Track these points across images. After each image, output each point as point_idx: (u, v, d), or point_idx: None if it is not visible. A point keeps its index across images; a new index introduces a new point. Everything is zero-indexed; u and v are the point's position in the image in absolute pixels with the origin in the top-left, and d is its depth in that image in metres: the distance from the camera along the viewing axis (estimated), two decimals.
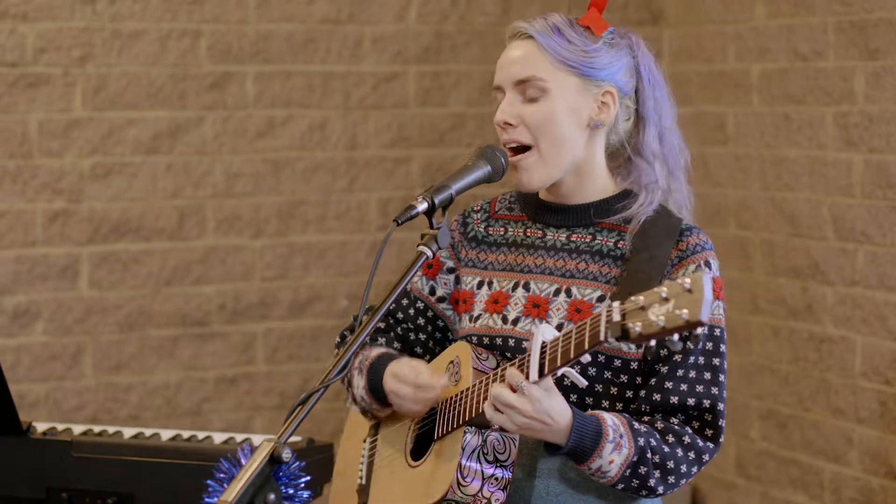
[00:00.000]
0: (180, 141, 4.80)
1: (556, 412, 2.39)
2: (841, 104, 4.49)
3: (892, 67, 4.30)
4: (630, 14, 5.27)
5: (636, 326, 2.16)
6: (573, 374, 2.36)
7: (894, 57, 4.30)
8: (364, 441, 2.77)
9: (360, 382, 2.67)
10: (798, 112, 4.67)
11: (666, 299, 2.13)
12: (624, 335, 2.18)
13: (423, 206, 2.43)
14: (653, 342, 2.17)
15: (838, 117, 4.50)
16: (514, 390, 2.38)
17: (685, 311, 2.11)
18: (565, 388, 2.51)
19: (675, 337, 2.14)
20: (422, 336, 2.75)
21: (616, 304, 2.22)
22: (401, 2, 5.04)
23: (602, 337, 2.23)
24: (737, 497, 5.02)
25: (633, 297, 2.19)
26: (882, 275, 4.36)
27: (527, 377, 2.36)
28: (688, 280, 2.12)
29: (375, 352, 2.68)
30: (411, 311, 2.74)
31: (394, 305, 2.75)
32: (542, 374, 2.35)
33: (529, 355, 2.38)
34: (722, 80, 5.01)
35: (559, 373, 2.34)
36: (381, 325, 2.77)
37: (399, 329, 2.76)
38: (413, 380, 2.56)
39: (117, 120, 4.72)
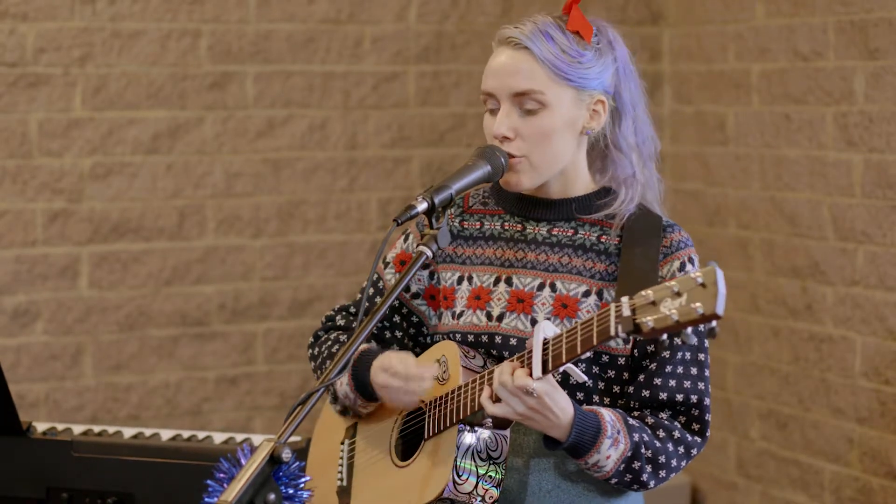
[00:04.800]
0: (180, 141, 4.80)
1: (560, 408, 2.41)
2: (841, 104, 4.49)
3: (892, 67, 4.30)
4: (630, 14, 5.27)
5: (648, 321, 2.18)
6: (574, 371, 2.38)
7: (894, 57, 4.30)
8: (342, 443, 2.77)
9: (343, 380, 2.67)
10: (798, 112, 4.67)
11: (678, 294, 2.16)
12: (636, 330, 2.20)
13: (423, 206, 2.44)
14: (664, 336, 2.18)
15: (838, 117, 4.50)
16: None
17: (699, 304, 2.13)
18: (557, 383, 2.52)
19: (689, 330, 2.16)
20: (398, 333, 2.75)
21: (625, 299, 2.23)
22: (401, 2, 5.04)
23: (612, 332, 2.25)
24: (737, 497, 5.02)
25: (641, 293, 2.20)
26: (882, 275, 4.36)
27: (530, 374, 2.37)
28: (699, 274, 2.14)
29: (359, 349, 2.68)
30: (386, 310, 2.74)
31: (368, 305, 2.75)
32: (545, 371, 2.36)
33: (531, 352, 2.38)
34: (722, 80, 5.01)
35: (562, 369, 2.35)
36: (355, 324, 2.77)
37: (374, 328, 2.75)
38: (403, 371, 2.56)
39: (117, 120, 4.72)
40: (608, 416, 2.47)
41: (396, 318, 2.74)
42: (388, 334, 2.76)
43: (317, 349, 2.79)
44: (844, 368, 4.51)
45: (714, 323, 2.15)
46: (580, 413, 2.43)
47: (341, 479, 2.73)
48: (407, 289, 2.72)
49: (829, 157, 4.55)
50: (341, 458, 2.76)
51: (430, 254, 2.43)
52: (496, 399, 2.42)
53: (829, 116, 4.54)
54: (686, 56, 5.19)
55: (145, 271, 4.78)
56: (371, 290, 2.77)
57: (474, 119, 5.13)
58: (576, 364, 2.40)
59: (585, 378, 2.41)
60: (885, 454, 4.36)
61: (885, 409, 4.36)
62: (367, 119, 5.03)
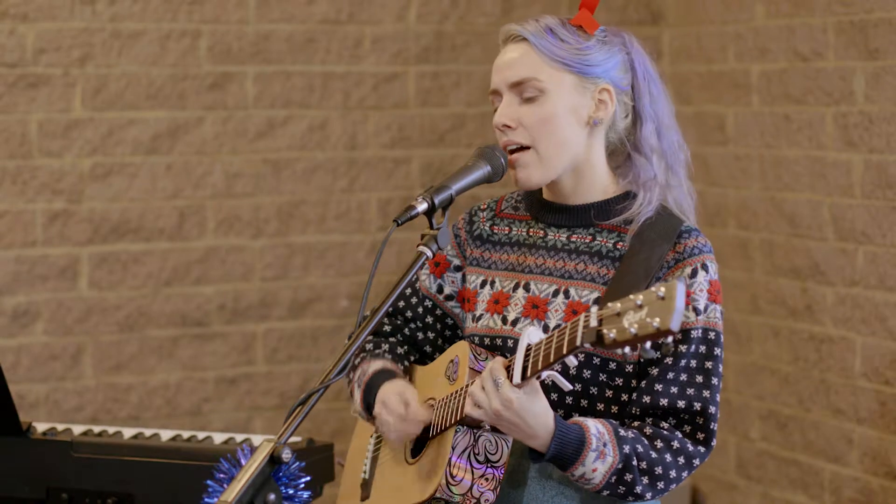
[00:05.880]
0: (180, 141, 4.80)
1: (533, 415, 2.38)
2: (841, 104, 4.49)
3: (892, 67, 4.30)
4: (630, 14, 5.27)
5: (611, 333, 2.14)
6: (558, 378, 2.36)
7: (894, 57, 4.30)
8: (371, 437, 2.80)
9: (357, 397, 2.69)
10: (798, 112, 4.67)
11: (640, 307, 2.11)
12: (599, 341, 2.16)
13: (422, 207, 2.44)
14: (627, 349, 2.15)
15: (838, 117, 4.50)
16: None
17: (657, 319, 2.09)
18: (560, 389, 2.51)
19: (648, 345, 2.12)
20: (430, 335, 2.75)
21: (594, 309, 2.21)
22: (401, 2, 5.04)
23: (578, 342, 2.22)
24: (737, 497, 5.02)
25: (610, 304, 2.17)
26: (882, 275, 4.35)
27: (510, 379, 2.36)
28: (662, 288, 2.10)
29: (373, 367, 2.68)
30: (420, 310, 2.75)
31: (402, 305, 2.75)
32: (524, 377, 2.35)
33: (515, 357, 2.38)
34: (722, 80, 5.01)
35: (543, 375, 2.34)
36: (388, 326, 2.78)
37: (407, 329, 2.76)
38: (398, 411, 2.58)
39: (117, 120, 4.72)
40: (594, 428, 2.44)
41: (430, 320, 2.75)
42: (420, 335, 2.76)
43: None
44: (844, 369, 4.51)
45: (670, 339, 2.10)
46: (562, 426, 2.41)
47: (365, 473, 2.76)
48: (440, 290, 2.73)
49: (829, 157, 4.55)
50: (368, 451, 2.79)
51: (429, 254, 2.43)
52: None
53: (829, 117, 4.54)
54: (686, 56, 5.19)
55: (145, 272, 4.78)
56: (409, 291, 2.77)
57: (474, 119, 5.14)
58: (561, 372, 2.38)
59: (569, 386, 2.39)
60: (885, 454, 4.36)
61: (885, 410, 4.36)
62: (367, 119, 5.03)
